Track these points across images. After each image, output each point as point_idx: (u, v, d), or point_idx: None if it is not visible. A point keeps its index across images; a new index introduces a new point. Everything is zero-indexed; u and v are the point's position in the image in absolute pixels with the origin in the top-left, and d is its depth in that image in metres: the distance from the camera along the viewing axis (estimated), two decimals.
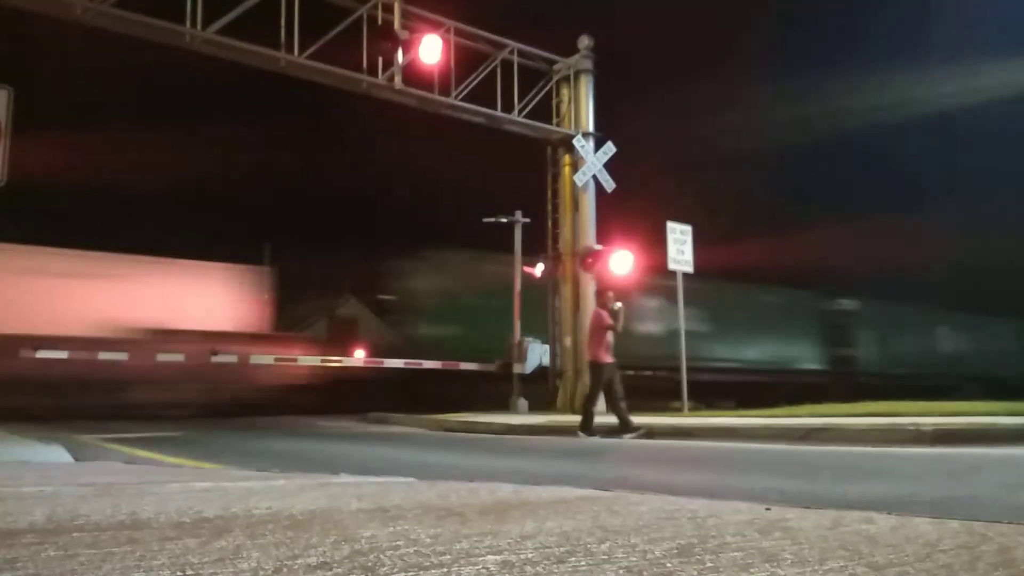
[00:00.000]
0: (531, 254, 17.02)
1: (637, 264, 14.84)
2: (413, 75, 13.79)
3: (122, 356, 15.42)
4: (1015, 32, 32.05)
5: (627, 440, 9.01)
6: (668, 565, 1.76)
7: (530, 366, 16.46)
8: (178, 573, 1.68)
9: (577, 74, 15.99)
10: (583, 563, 1.78)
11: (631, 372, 14.29)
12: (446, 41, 14.08)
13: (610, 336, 9.79)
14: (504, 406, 15.80)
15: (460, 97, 14.36)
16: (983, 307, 32.79)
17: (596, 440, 9.16)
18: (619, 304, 9.91)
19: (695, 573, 1.68)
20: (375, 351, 19.07)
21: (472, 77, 14.58)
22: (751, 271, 27.90)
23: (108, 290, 17.21)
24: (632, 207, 17.81)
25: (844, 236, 41.80)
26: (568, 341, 15.62)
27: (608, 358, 9.73)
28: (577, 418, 12.95)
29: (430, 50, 13.59)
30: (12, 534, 2.19)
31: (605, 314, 9.90)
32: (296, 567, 1.74)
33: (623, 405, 9.53)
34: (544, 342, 16.46)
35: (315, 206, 26.49)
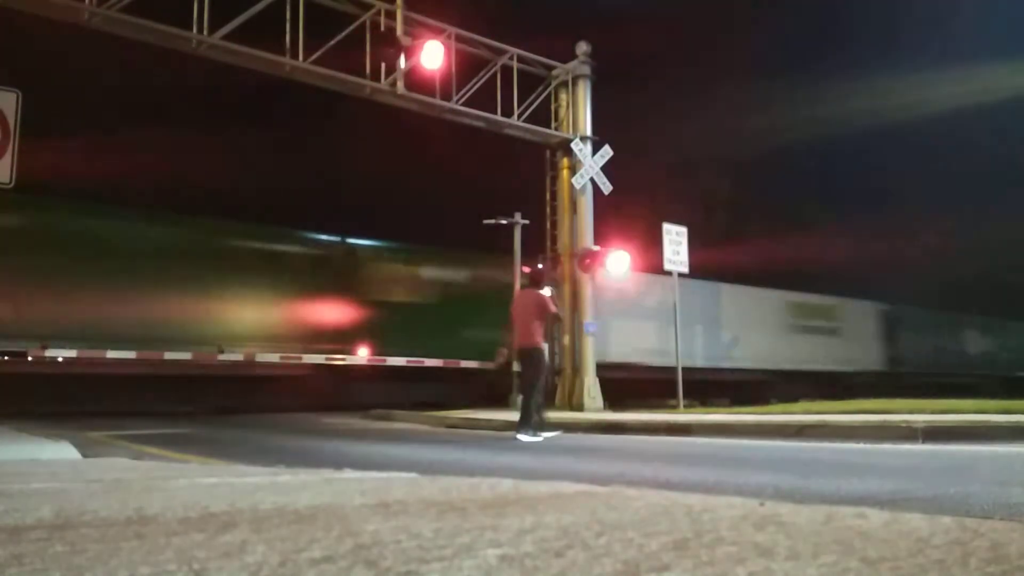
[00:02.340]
0: (530, 255, 17.08)
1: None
2: (415, 80, 13.85)
3: None
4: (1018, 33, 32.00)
5: (527, 439, 8.41)
6: (664, 559, 1.78)
7: None
8: (185, 567, 1.69)
9: (575, 79, 16.06)
10: (581, 556, 1.80)
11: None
12: (447, 47, 14.14)
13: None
14: (504, 403, 15.85)
15: (461, 102, 14.40)
16: (1004, 309, 33.24)
17: (557, 436, 8.58)
18: (549, 288, 9.17)
19: (690, 566, 1.70)
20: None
21: (473, 82, 14.65)
22: (766, 272, 28.17)
23: None
24: (630, 209, 17.84)
25: (855, 237, 41.72)
26: (567, 340, 15.66)
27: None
28: (576, 415, 13.03)
29: (432, 55, 13.66)
30: (20, 530, 2.20)
31: (549, 298, 9.04)
32: (301, 560, 1.75)
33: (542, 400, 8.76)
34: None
35: (313, 206, 26.38)
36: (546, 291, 9.04)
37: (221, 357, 16.06)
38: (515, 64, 15.24)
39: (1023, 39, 41.09)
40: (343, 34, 13.11)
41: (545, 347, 8.78)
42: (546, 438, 8.54)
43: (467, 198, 23.30)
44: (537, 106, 15.66)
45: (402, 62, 13.57)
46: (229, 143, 26.22)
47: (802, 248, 38.17)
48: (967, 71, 35.85)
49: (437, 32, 14.22)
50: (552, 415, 12.71)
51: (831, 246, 39.86)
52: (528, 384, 8.76)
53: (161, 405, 15.61)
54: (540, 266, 9.35)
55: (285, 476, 4.00)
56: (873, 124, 40.87)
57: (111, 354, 14.87)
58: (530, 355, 8.81)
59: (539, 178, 16.56)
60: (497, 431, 10.49)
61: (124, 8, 11.10)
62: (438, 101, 14.15)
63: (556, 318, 8.98)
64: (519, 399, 15.89)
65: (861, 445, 7.10)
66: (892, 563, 1.74)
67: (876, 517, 2.42)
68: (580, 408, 14.78)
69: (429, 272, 19.70)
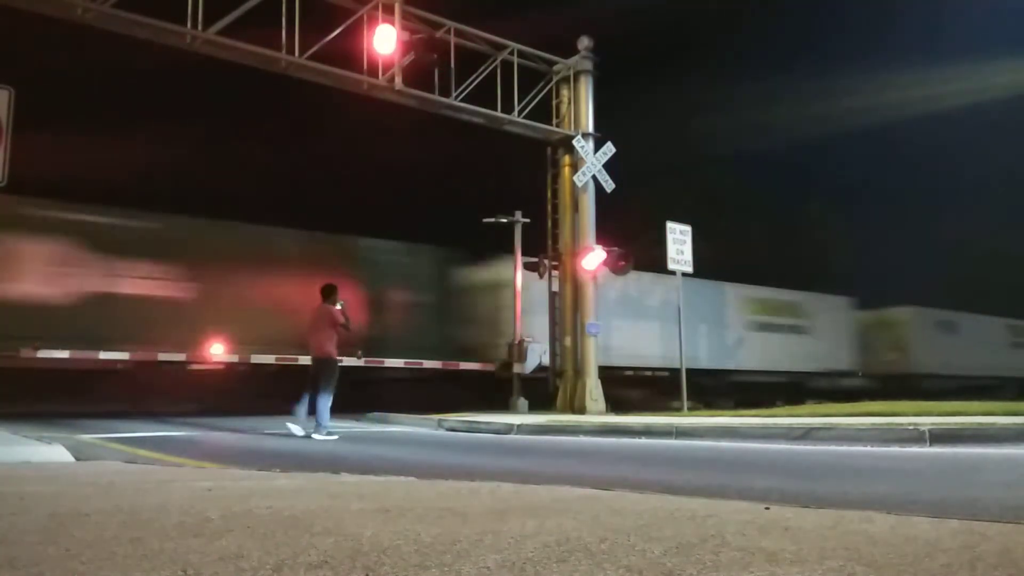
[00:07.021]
0: (531, 254, 17.04)
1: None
2: (413, 76, 13.79)
3: None
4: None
5: (321, 437, 9.21)
6: (668, 564, 1.76)
7: (530, 366, 16.44)
8: (179, 572, 1.69)
9: (577, 75, 15.99)
10: (583, 562, 1.78)
11: None
12: (446, 42, 14.06)
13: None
14: (504, 406, 15.82)
15: (460, 98, 14.34)
16: None
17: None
18: (343, 301, 9.96)
19: (695, 572, 1.69)
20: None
21: (472, 78, 14.57)
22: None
23: None
24: (633, 206, 17.80)
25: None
26: (568, 341, 15.63)
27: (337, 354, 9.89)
28: (578, 418, 13.02)
29: (429, 50, 13.56)
30: (14, 533, 2.19)
31: (337, 312, 9.85)
32: (297, 566, 1.74)
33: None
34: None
35: (311, 204, 26.43)
36: (337, 305, 9.98)
37: (216, 358, 16.01)
38: (515, 59, 15.13)
39: None
40: (340, 29, 13.03)
41: (336, 356, 9.88)
42: (300, 432, 9.41)
43: (467, 196, 23.29)
44: (538, 102, 15.55)
45: (399, 57, 13.49)
46: (222, 139, 26.14)
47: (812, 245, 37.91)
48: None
49: (436, 27, 14.17)
50: (554, 417, 12.72)
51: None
52: (323, 389, 9.62)
53: (156, 406, 15.54)
54: (332, 282, 10.29)
55: (281, 480, 3.99)
56: (872, 121, 40.84)
57: (103, 355, 14.83)
58: (324, 363, 9.77)
59: (540, 176, 16.51)
60: (497, 434, 10.46)
61: (117, 3, 11.05)
62: (437, 97, 14.08)
63: (345, 328, 9.97)
64: (519, 401, 16.03)
65: (868, 448, 7.07)
66: (899, 568, 1.73)
67: (883, 521, 2.41)
68: (582, 411, 14.73)
69: (428, 271, 19.63)
